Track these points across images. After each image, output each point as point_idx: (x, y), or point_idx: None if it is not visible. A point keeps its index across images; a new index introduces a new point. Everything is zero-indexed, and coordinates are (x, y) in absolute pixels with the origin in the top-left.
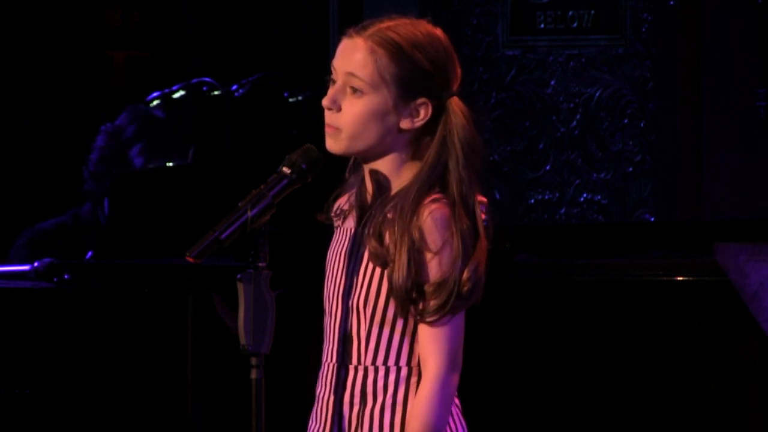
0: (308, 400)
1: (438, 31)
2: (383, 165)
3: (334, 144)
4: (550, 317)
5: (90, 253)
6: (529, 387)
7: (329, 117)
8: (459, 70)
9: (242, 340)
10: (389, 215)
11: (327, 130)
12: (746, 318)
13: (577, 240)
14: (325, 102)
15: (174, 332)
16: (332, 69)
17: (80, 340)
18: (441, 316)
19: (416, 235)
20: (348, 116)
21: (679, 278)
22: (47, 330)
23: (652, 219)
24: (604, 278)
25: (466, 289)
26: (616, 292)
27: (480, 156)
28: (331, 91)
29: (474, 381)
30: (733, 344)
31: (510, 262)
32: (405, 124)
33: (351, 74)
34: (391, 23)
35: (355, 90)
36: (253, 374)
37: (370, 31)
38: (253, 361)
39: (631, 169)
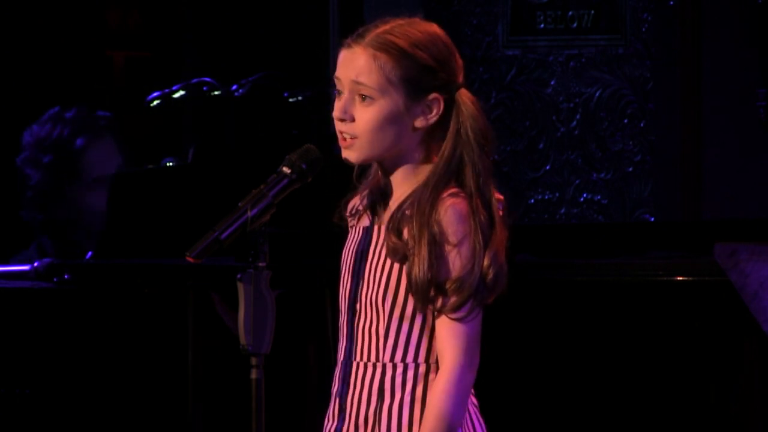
0: (308, 400)
1: (434, 27)
2: (399, 163)
3: (351, 153)
4: (550, 317)
5: (90, 253)
6: (529, 387)
7: (343, 127)
8: (461, 61)
9: (242, 340)
10: (407, 211)
11: (342, 142)
12: (746, 318)
13: (577, 240)
14: (336, 113)
15: (174, 332)
16: (336, 80)
17: (80, 340)
18: (470, 310)
19: (435, 229)
20: (362, 124)
21: (679, 278)
22: (47, 330)
23: (652, 219)
24: (604, 278)
25: (489, 279)
26: (616, 292)
27: (493, 144)
28: (340, 102)
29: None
30: (733, 344)
31: (510, 262)
32: (419, 122)
33: (357, 82)
34: (386, 27)
35: (364, 98)
36: (253, 374)
37: (368, 38)
38: (253, 361)
39: (631, 169)
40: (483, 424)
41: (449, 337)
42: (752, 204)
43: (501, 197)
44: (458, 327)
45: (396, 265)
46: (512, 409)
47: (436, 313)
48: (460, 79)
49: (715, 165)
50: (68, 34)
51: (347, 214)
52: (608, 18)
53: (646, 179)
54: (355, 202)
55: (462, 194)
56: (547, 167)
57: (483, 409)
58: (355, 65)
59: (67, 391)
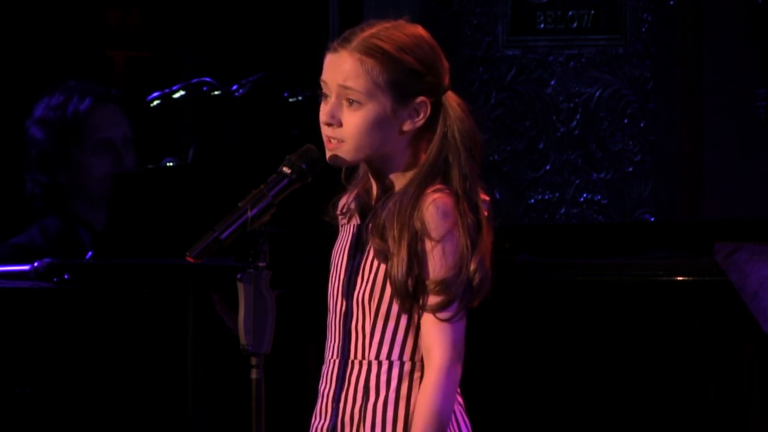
0: (308, 400)
1: (419, 29)
2: (386, 165)
3: (338, 156)
4: (550, 317)
5: (90, 253)
6: (529, 387)
7: (330, 131)
8: (446, 64)
9: (242, 340)
10: (391, 210)
11: (328, 144)
12: (746, 318)
13: (577, 240)
14: (323, 118)
15: (174, 332)
16: (322, 84)
17: (80, 340)
18: (456, 311)
19: (418, 225)
20: (350, 128)
21: (679, 278)
22: (47, 330)
23: (652, 219)
24: (604, 278)
25: (475, 283)
26: (616, 292)
27: (480, 148)
28: (328, 106)
29: (473, 381)
30: (733, 344)
31: (510, 262)
32: (406, 126)
33: (345, 87)
34: (372, 30)
35: (351, 102)
36: (253, 374)
37: (354, 42)
38: (253, 361)
39: (631, 169)
40: (468, 424)
41: (436, 336)
42: (752, 204)
43: (487, 198)
44: (445, 326)
45: (382, 265)
46: (512, 409)
47: (421, 311)
48: (447, 81)
49: (715, 165)
50: (68, 34)
51: (338, 212)
52: (608, 18)
53: (646, 179)
54: (346, 200)
55: (447, 190)
56: (547, 167)
57: (484, 409)
58: (342, 69)
59: (67, 391)
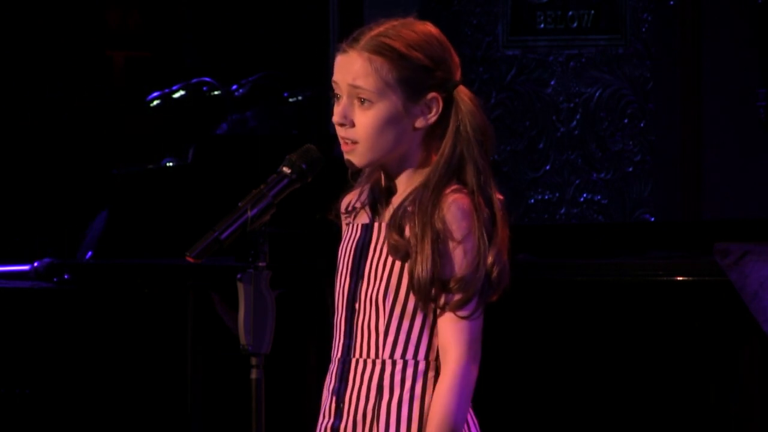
0: (308, 400)
1: (428, 26)
2: (400, 163)
3: (354, 158)
4: (550, 317)
5: (90, 253)
6: (530, 387)
7: (344, 132)
8: (457, 59)
9: (242, 340)
10: (409, 208)
11: (344, 147)
12: (746, 318)
13: (577, 240)
14: (336, 118)
15: (174, 332)
16: (334, 85)
17: (80, 340)
18: (475, 308)
19: (439, 225)
20: (362, 128)
21: (679, 278)
22: (47, 330)
23: (652, 219)
24: (604, 278)
25: (493, 277)
26: (616, 292)
27: (492, 141)
28: (339, 107)
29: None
30: (733, 344)
31: (510, 262)
32: (419, 123)
33: (355, 87)
34: (381, 29)
35: (363, 101)
36: (253, 374)
37: (363, 41)
38: (253, 361)
39: (631, 169)
40: (476, 422)
41: (454, 335)
42: (752, 204)
43: (501, 197)
44: (464, 325)
45: (397, 263)
46: (512, 409)
47: (439, 310)
48: (458, 76)
49: (715, 165)
50: (68, 34)
51: (342, 211)
52: (608, 18)
53: (646, 179)
54: (351, 198)
55: (464, 190)
56: (547, 167)
57: (483, 409)
58: (352, 69)
59: (67, 391)
